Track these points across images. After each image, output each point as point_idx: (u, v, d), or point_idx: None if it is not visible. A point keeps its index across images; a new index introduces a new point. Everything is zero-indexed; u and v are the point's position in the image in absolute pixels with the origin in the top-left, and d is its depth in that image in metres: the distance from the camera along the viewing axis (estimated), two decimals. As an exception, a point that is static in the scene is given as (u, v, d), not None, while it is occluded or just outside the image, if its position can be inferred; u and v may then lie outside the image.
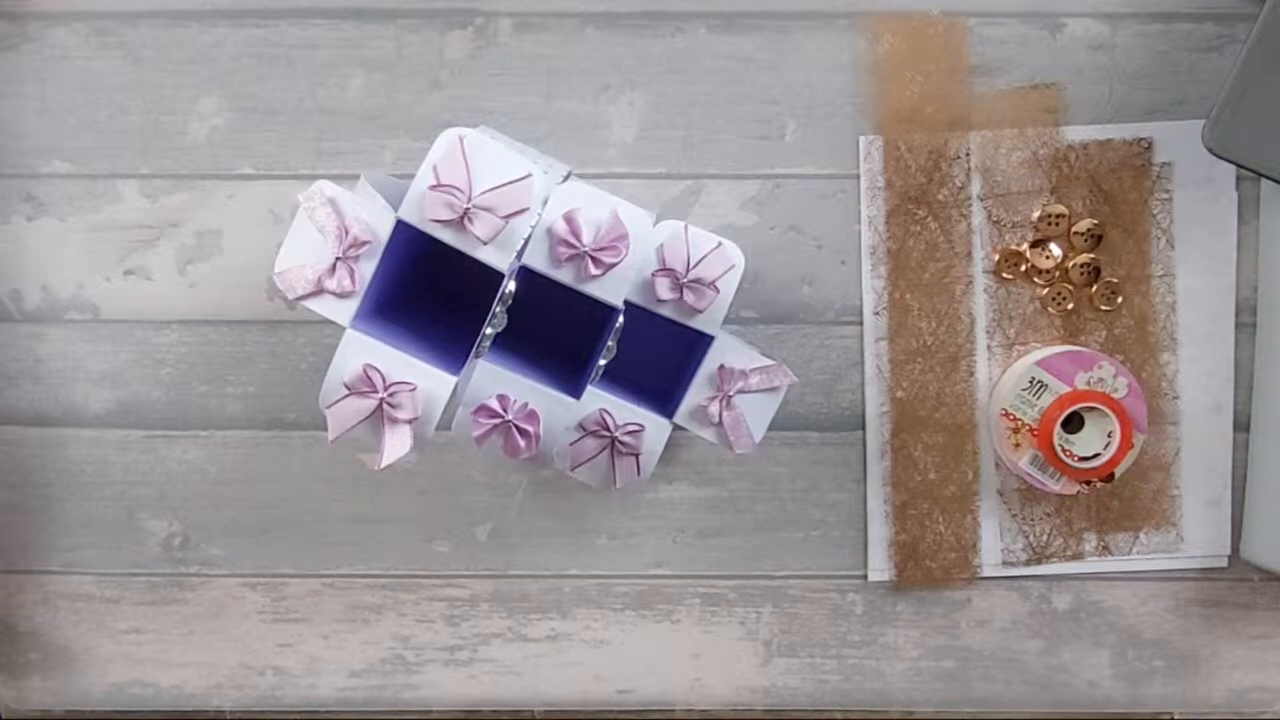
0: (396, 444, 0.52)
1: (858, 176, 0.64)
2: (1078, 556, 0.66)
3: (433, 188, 0.51)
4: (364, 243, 0.52)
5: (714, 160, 0.64)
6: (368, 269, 0.53)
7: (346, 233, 0.52)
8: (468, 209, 0.51)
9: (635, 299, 0.56)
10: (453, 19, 0.64)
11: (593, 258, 0.53)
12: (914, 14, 0.63)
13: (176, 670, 0.69)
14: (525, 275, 0.53)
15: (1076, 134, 0.64)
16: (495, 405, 0.54)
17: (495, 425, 0.54)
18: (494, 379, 0.54)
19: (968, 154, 0.64)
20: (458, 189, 0.51)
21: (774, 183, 0.65)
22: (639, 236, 0.53)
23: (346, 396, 0.52)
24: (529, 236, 0.53)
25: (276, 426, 0.66)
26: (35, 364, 0.66)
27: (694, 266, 0.55)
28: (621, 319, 0.54)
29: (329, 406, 0.53)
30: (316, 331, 0.66)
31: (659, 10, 0.64)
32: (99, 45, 0.64)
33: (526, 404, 0.54)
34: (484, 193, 0.52)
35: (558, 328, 0.59)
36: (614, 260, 0.53)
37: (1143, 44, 0.63)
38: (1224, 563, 0.67)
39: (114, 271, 0.66)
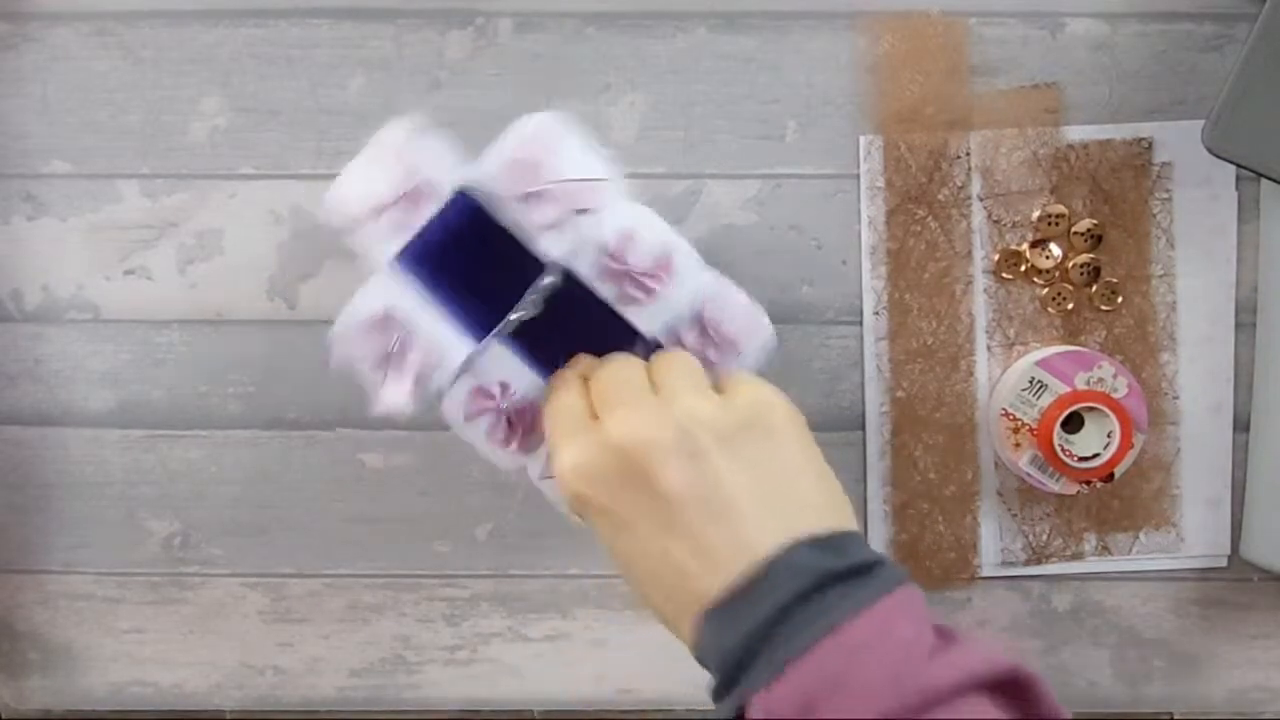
0: (395, 392, 0.52)
1: (858, 176, 0.64)
2: (1078, 556, 0.66)
3: (506, 164, 0.51)
4: (423, 196, 0.52)
5: (714, 160, 0.64)
6: (418, 221, 0.52)
7: (409, 180, 0.51)
8: (535, 193, 0.51)
9: (662, 337, 0.55)
10: (453, 19, 0.64)
11: (637, 282, 0.52)
12: (914, 14, 0.63)
13: (177, 670, 0.68)
14: (568, 278, 0.53)
15: (1076, 134, 0.64)
16: (494, 389, 0.53)
17: (486, 408, 0.54)
18: (503, 364, 0.54)
19: (968, 154, 0.64)
20: (532, 172, 0.51)
21: (774, 183, 0.65)
22: (685, 279, 0.53)
23: (360, 330, 0.52)
24: (584, 240, 0.52)
25: (276, 426, 0.66)
26: (35, 364, 0.66)
27: (725, 327, 0.54)
28: (646, 351, 0.54)
29: (340, 334, 0.52)
30: (317, 332, 0.66)
31: (659, 10, 0.64)
32: (99, 45, 0.64)
33: (525, 397, 0.54)
34: (556, 183, 0.51)
35: (586, 342, 0.58)
36: (656, 289, 0.52)
37: (1143, 44, 0.63)
38: (1224, 563, 0.67)
39: (114, 271, 0.66)
